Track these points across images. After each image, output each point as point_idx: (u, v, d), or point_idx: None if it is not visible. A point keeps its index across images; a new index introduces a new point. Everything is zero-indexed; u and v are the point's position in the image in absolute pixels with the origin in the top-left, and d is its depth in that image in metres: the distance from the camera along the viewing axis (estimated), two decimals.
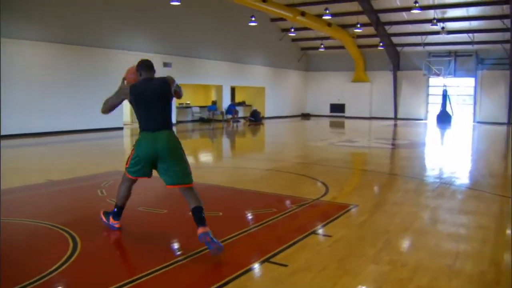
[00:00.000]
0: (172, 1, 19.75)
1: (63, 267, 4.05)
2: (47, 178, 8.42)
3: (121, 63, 18.26)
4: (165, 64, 22.43)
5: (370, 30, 27.86)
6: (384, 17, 27.09)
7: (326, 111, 35.15)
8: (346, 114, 33.52)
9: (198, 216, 4.60)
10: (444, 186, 8.06)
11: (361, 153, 13.90)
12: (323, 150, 13.85)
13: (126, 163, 5.03)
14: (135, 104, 4.87)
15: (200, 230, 4.49)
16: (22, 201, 6.67)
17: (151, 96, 4.81)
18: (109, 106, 5.04)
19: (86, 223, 5.42)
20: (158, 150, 4.71)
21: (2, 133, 13.37)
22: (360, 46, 31.91)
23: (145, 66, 5.02)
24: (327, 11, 23.35)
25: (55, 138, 16.09)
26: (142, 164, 4.86)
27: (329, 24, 26.79)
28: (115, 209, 5.19)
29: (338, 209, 6.21)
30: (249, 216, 5.95)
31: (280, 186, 8.04)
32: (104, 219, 5.27)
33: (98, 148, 14.36)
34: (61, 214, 5.91)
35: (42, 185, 7.81)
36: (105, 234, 5.12)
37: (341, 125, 27.26)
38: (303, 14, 24.73)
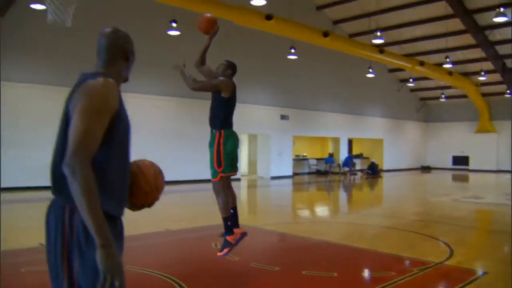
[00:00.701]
0: (290, 55, 20.22)
1: None
2: (166, 227, 8.70)
3: (244, 115, 18.98)
4: (283, 117, 22.79)
5: (495, 77, 26.35)
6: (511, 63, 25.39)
7: (448, 163, 33.45)
8: (470, 166, 31.61)
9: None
10: None
11: (489, 211, 12.88)
12: (445, 207, 13.03)
13: (219, 167, 5.24)
14: (231, 100, 5.37)
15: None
16: (138, 250, 6.89)
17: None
18: (203, 88, 5.44)
19: (197, 276, 5.41)
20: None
21: None
22: (484, 95, 30.28)
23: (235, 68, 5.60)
24: (448, 60, 22.56)
25: (176, 187, 16.78)
26: (235, 159, 5.32)
27: (449, 72, 25.73)
28: (228, 223, 5.30)
29: (465, 275, 5.69)
30: (366, 279, 5.64)
31: (398, 245, 7.59)
32: (225, 249, 5.33)
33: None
34: (174, 265, 6.00)
35: (159, 234, 8.06)
36: None
37: (465, 179, 25.72)
38: (422, 63, 24.07)
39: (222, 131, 5.31)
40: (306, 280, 5.33)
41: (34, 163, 14.74)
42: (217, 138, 5.27)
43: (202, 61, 5.48)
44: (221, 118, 5.39)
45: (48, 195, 2.17)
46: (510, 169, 28.84)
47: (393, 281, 5.34)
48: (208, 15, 5.30)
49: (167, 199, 14.12)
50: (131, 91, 15.38)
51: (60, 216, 2.07)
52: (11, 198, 13.31)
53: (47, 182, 2.19)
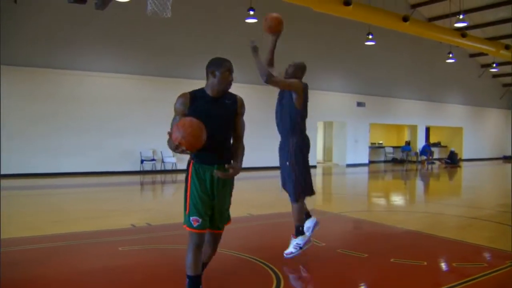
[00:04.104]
0: (367, 41, 19.90)
1: None
2: (248, 212, 8.89)
3: (320, 102, 18.95)
4: (359, 104, 22.54)
5: None
6: None
7: None
8: None
9: None
10: None
11: None
12: None
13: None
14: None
15: None
16: (227, 233, 7.07)
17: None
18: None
19: (286, 260, 5.51)
20: None
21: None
22: None
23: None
24: None
25: (249, 173, 17.06)
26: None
27: None
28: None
29: None
30: (456, 269, 5.54)
31: (486, 237, 7.36)
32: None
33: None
34: (263, 249, 6.12)
35: (243, 218, 8.25)
36: (305, 274, 5.18)
37: None
38: (507, 47, 22.90)
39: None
40: (396, 267, 5.31)
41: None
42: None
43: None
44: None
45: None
46: None
47: (485, 273, 5.22)
48: (277, 15, 5.13)
49: (244, 185, 14.40)
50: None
51: None
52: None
53: None
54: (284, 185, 5.50)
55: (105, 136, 16.60)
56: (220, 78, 3.71)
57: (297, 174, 5.28)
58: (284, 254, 5.39)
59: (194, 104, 3.68)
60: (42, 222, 7.96)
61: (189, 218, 3.68)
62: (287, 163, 5.30)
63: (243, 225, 7.81)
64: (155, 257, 5.66)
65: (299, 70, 5.41)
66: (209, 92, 3.78)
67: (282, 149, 5.43)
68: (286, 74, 5.44)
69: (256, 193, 12.51)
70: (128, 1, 12.97)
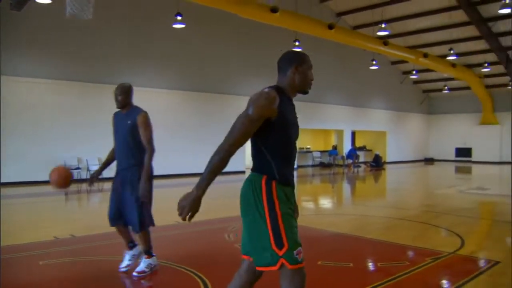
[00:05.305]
0: (294, 48, 20.24)
1: None
2: (176, 220, 8.77)
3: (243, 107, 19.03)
4: None
5: (499, 68, 26.53)
6: None
7: (451, 155, 33.63)
8: (473, 158, 31.80)
9: None
10: None
11: (495, 202, 12.98)
12: (452, 198, 13.14)
13: (280, 246, 2.82)
14: (280, 126, 2.91)
15: None
16: (154, 242, 6.96)
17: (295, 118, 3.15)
18: (242, 134, 2.82)
19: (215, 268, 5.49)
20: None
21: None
22: (488, 86, 30.44)
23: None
24: (452, 51, 22.58)
25: (179, 180, 16.89)
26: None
27: (453, 64, 25.81)
28: None
29: (478, 265, 5.79)
30: (381, 268, 5.73)
31: (410, 236, 7.67)
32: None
33: (223, 191, 14.75)
34: (191, 257, 6.07)
35: (171, 227, 8.12)
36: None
37: (468, 171, 25.83)
38: (425, 55, 24.09)
39: (274, 182, 2.90)
40: (322, 270, 5.42)
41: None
42: (264, 192, 2.88)
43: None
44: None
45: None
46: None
47: (408, 271, 5.43)
48: (61, 170, 4.96)
49: (174, 193, 14.15)
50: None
51: None
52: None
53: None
54: (121, 216, 5.24)
55: (27, 144, 15.92)
56: (303, 75, 3.08)
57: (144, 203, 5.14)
58: (135, 273, 5.17)
59: (281, 107, 2.89)
60: None
61: (293, 253, 2.81)
62: (130, 193, 5.10)
63: (170, 234, 7.71)
64: (78, 270, 5.46)
65: (128, 95, 5.19)
66: (288, 92, 3.09)
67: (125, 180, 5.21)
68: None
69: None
70: (50, 4, 12.57)
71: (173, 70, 19.00)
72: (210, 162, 2.76)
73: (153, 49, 18.41)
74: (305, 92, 3.15)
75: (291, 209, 3.00)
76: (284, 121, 2.89)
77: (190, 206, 2.71)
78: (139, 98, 5.71)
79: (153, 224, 5.25)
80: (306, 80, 3.09)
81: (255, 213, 2.85)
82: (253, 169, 2.98)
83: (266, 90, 2.87)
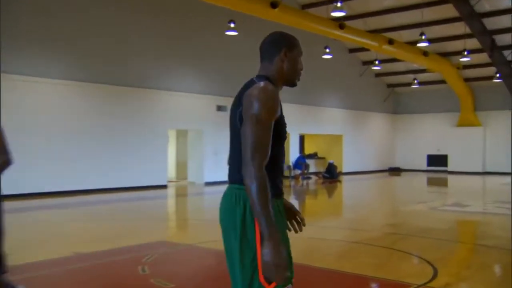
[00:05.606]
0: (228, 31, 20.12)
1: None
2: (74, 250, 8.40)
3: (171, 107, 18.83)
4: (219, 108, 22.71)
5: (482, 57, 26.89)
6: (502, 39, 25.49)
7: (422, 164, 34.40)
8: (450, 168, 32.61)
9: None
10: None
11: (476, 222, 13.29)
12: (422, 217, 13.34)
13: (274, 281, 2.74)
14: (276, 128, 2.83)
15: None
16: (47, 279, 6.63)
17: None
18: (265, 148, 2.75)
19: None
20: None
21: (6, 193, 13.79)
22: (467, 80, 31.07)
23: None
24: (423, 37, 22.87)
25: (78, 198, 16.41)
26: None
27: (425, 53, 26.22)
28: None
29: None
30: None
31: (370, 264, 7.64)
32: None
33: (136, 212, 14.40)
34: None
35: (69, 259, 7.78)
36: None
37: (443, 183, 26.53)
38: (390, 42, 24.35)
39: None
40: None
41: None
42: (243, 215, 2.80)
43: None
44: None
45: None
46: (500, 170, 29.68)
47: None
48: None
49: (70, 215, 13.72)
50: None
51: None
52: None
53: None
54: None
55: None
56: (293, 62, 3.02)
57: None
58: None
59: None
60: None
61: None
62: None
63: (65, 268, 7.33)
64: None
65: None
66: (277, 84, 3.00)
67: None
68: None
69: (85, 224, 11.92)
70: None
71: (68, 56, 18.39)
72: (258, 200, 2.59)
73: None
74: (293, 84, 3.07)
75: (286, 227, 3.04)
76: (282, 122, 2.88)
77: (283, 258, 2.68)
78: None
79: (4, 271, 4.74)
80: (296, 69, 3.02)
81: (242, 239, 2.75)
82: (235, 180, 2.82)
83: (264, 84, 2.81)
